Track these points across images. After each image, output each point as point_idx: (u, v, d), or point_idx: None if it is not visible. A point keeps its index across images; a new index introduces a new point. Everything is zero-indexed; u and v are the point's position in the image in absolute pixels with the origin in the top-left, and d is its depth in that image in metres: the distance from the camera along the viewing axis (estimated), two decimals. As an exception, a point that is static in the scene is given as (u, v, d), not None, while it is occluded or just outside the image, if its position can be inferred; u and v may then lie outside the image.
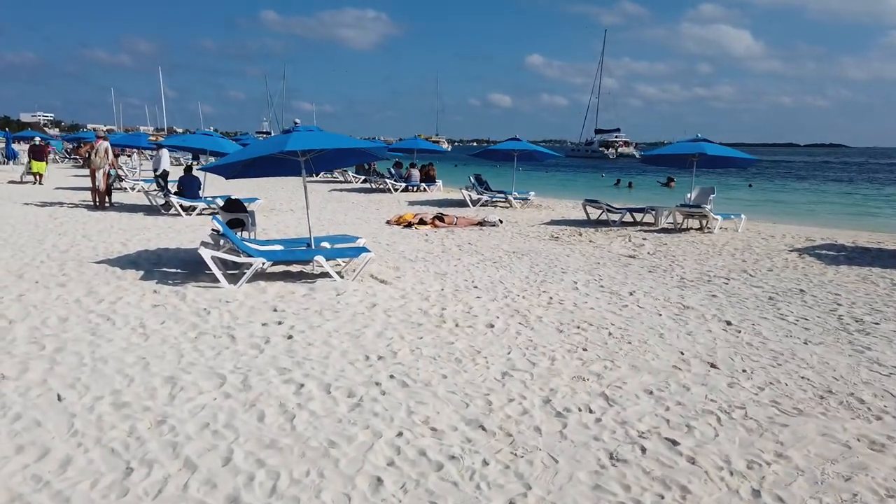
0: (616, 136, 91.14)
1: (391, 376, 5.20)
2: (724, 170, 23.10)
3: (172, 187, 16.28)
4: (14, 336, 5.92)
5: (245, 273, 8.21)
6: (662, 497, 3.53)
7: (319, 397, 4.75)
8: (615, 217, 15.96)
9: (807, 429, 4.40)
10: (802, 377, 5.42)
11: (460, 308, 7.41)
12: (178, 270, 9.02)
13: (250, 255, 8.28)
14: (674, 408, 4.72)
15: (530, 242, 12.68)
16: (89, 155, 16.56)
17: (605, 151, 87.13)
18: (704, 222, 15.06)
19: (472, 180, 20.67)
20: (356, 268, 8.94)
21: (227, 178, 9.23)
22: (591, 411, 4.64)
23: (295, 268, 9.32)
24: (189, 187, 15.82)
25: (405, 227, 14.57)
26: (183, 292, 7.70)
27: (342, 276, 8.72)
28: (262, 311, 7.02)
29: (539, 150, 20.09)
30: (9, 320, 6.41)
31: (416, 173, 24.89)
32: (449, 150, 42.01)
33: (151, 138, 28.42)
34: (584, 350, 6.02)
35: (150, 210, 16.06)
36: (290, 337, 6.16)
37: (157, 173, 19.09)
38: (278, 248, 9.08)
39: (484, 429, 4.30)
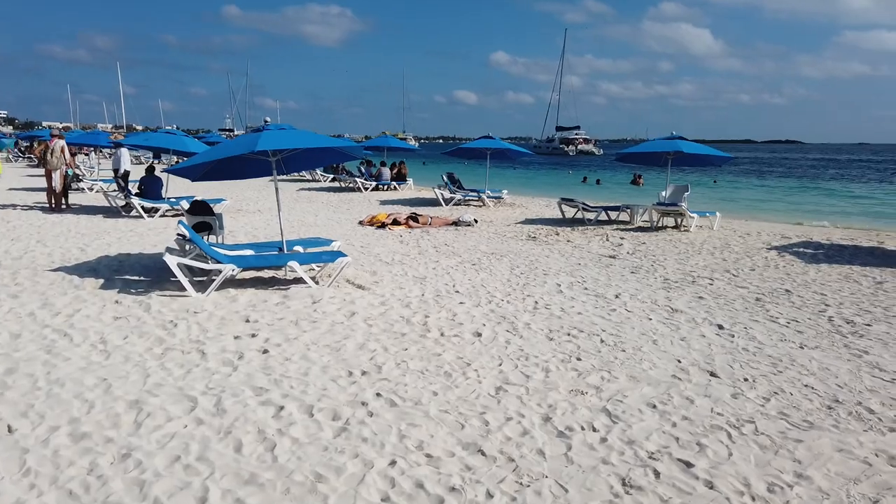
0: (576, 134, 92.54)
1: (378, 394, 4.84)
2: (694, 168, 23.15)
3: (133, 188, 15.59)
4: (-41, 356, 5.40)
5: (214, 280, 7.74)
6: (684, 529, 3.25)
7: (301, 421, 4.37)
8: (591, 215, 15.78)
9: (822, 444, 4.17)
10: (806, 385, 5.21)
11: (444, 315, 7.07)
12: (142, 278, 8.50)
13: (219, 262, 7.82)
14: (680, 423, 4.46)
15: (508, 243, 12.39)
16: (44, 155, 15.77)
17: (566, 149, 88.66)
18: (680, 220, 14.97)
19: (445, 179, 20.33)
20: (332, 273, 8.54)
21: (192, 181, 8.73)
22: (594, 429, 4.34)
23: (266, 273, 8.86)
24: (151, 188, 15.16)
25: (378, 227, 14.18)
26: (147, 302, 7.21)
27: (317, 282, 8.31)
28: (233, 323, 6.58)
29: (513, 149, 19.85)
30: (-46, 338, 5.87)
31: (386, 172, 24.46)
32: (417, 147, 41.57)
33: (112, 137, 27.34)
34: (579, 359, 5.73)
35: (110, 212, 15.36)
36: (265, 351, 5.75)
37: (119, 174, 18.34)
38: (249, 253, 8.62)
39: (483, 454, 3.97)
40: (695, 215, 14.54)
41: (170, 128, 16.06)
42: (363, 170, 25.15)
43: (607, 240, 12.89)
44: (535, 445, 4.09)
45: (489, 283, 8.74)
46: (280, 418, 4.40)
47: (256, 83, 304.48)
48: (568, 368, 5.50)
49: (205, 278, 8.23)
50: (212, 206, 11.50)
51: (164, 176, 15.21)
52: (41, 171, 19.87)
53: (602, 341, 6.28)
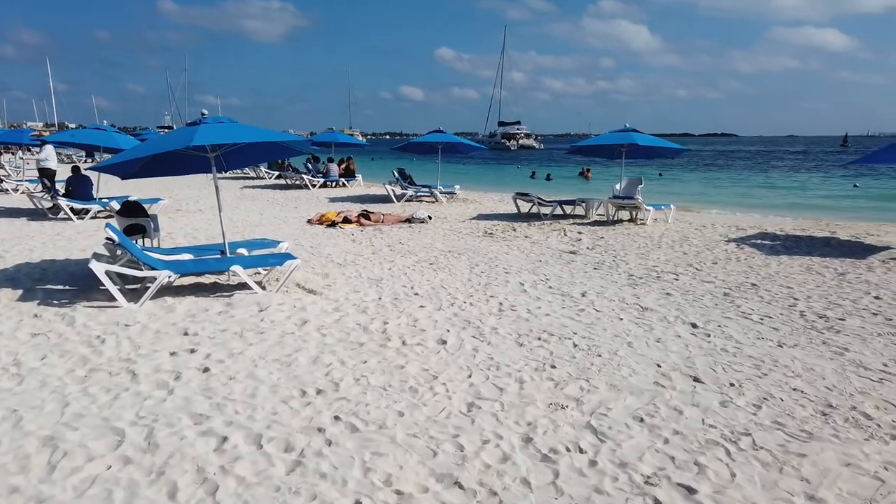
0: (517, 129, 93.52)
1: (336, 417, 4.28)
2: (638, 161, 23.07)
3: (60, 188, 14.48)
4: None
5: (148, 288, 7.01)
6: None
7: (248, 455, 3.78)
8: (546, 210, 15.48)
9: (826, 458, 3.83)
10: (794, 389, 4.90)
11: (404, 321, 6.54)
12: (67, 287, 7.68)
13: (154, 268, 7.09)
14: (673, 439, 4.06)
15: (465, 240, 11.93)
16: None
17: (508, 143, 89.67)
18: (636, 213, 14.79)
19: (396, 175, 19.75)
20: (280, 277, 7.90)
21: (122, 178, 7.94)
22: (581, 451, 3.90)
23: (207, 279, 8.15)
24: (80, 188, 14.09)
25: (328, 226, 13.52)
26: (71, 316, 6.45)
27: (264, 288, 7.66)
28: (170, 337, 5.90)
29: (464, 143, 19.38)
30: None
31: (334, 168, 23.70)
32: (366, 143, 40.80)
33: (35, 134, 25.68)
34: (553, 367, 5.29)
35: (35, 214, 14.24)
36: (206, 370, 5.11)
37: (43, 173, 17.08)
38: (187, 257, 7.90)
39: (461, 486, 3.47)
40: (651, 208, 14.39)
41: (100, 124, 14.93)
42: (310, 166, 24.32)
43: (565, 235, 12.57)
44: (519, 473, 3.62)
45: (449, 284, 8.25)
46: (223, 452, 3.80)
47: (197, 80, 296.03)
48: (543, 378, 5.06)
49: (138, 286, 7.48)
50: (146, 206, 10.67)
51: (93, 175, 14.16)
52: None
53: (575, 345, 5.86)
